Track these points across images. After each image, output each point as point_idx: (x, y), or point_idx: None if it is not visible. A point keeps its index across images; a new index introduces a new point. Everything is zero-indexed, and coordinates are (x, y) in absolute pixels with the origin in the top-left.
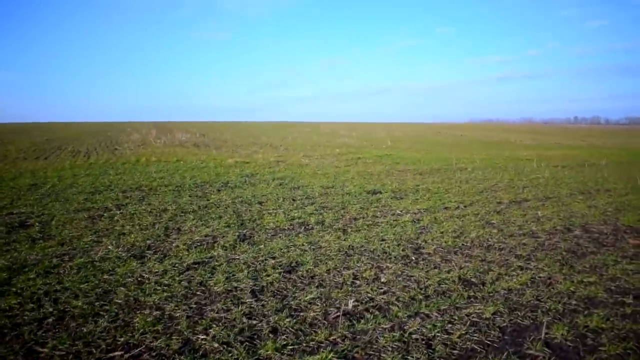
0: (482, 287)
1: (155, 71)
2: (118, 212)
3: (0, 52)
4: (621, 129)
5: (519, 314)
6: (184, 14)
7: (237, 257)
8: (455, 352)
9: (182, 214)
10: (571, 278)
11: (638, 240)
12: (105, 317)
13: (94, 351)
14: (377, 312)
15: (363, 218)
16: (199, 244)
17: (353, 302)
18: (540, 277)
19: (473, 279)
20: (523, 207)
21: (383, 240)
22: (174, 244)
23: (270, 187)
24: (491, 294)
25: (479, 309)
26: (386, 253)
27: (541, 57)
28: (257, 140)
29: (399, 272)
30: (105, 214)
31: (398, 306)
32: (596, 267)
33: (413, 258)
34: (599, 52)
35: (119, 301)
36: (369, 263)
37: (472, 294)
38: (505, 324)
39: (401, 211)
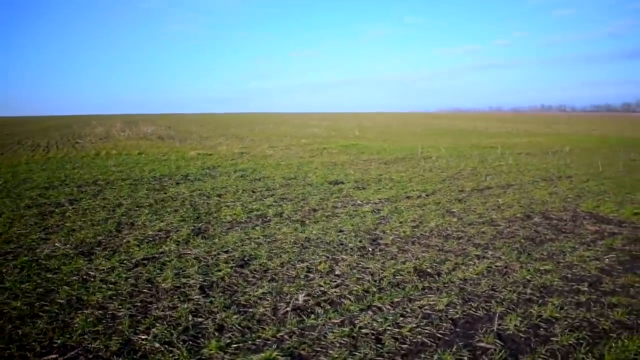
0: (437, 278)
1: (126, 64)
2: (70, 207)
3: None
4: (587, 116)
5: (473, 304)
6: (154, 4)
7: (189, 252)
8: (405, 346)
9: (137, 209)
10: (528, 266)
11: (596, 226)
12: (44, 318)
13: (28, 355)
14: (328, 307)
15: (322, 209)
16: (151, 239)
17: (304, 296)
18: (496, 266)
19: (429, 270)
20: (485, 194)
21: (341, 231)
22: (124, 240)
23: (230, 179)
24: (446, 285)
25: (432, 301)
26: (343, 245)
27: (509, 46)
28: (225, 131)
29: (355, 264)
30: (56, 210)
31: (350, 300)
32: (553, 255)
33: (370, 249)
34: (567, 41)
35: (61, 301)
36: (324, 255)
37: (427, 284)
38: (457, 316)
39: (362, 201)
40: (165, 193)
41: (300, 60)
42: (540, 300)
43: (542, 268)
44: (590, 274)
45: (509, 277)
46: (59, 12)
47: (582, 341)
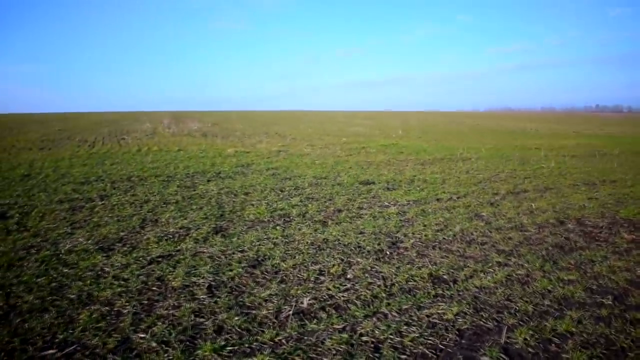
0: (452, 285)
1: (175, 61)
2: (100, 203)
3: (25, 45)
4: None
5: (484, 315)
6: (200, 3)
7: (205, 250)
8: (403, 356)
9: (164, 205)
10: (551, 276)
11: (633, 234)
12: (52, 312)
13: (29, 348)
14: (333, 311)
15: (347, 210)
16: (170, 236)
17: (310, 299)
18: (517, 274)
19: (445, 276)
20: (519, 198)
21: (361, 233)
22: (145, 237)
23: (261, 178)
24: (460, 293)
25: (442, 309)
26: (360, 247)
27: (562, 45)
28: (269, 129)
29: (368, 268)
30: (86, 205)
31: (357, 305)
32: (581, 264)
33: (387, 252)
34: (621, 40)
35: (72, 296)
36: (339, 258)
37: (440, 292)
38: (465, 327)
39: (389, 203)
40: (195, 190)
41: (348, 58)
42: (558, 313)
43: (566, 278)
44: (618, 286)
45: (528, 286)
46: (110, 11)
47: (594, 359)
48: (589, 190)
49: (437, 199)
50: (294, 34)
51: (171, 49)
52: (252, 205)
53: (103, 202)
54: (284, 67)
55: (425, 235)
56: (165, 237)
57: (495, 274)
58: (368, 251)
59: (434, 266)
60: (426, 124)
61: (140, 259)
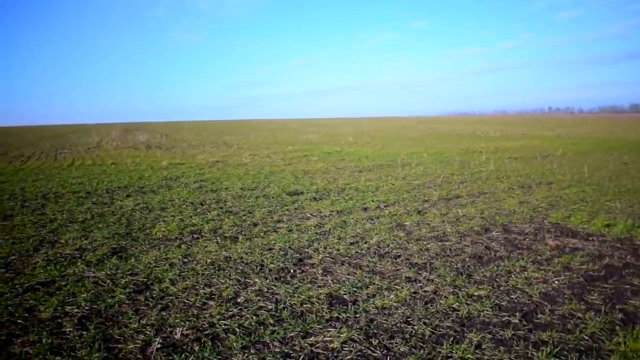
0: (350, 307)
1: (134, 72)
2: (1, 224)
3: None
4: (593, 118)
5: (374, 342)
6: (158, 14)
7: (92, 274)
8: None
9: (69, 224)
10: (460, 291)
11: (558, 240)
12: None
13: None
14: (208, 343)
15: (264, 224)
16: (62, 259)
17: (185, 330)
18: (424, 291)
19: (345, 296)
20: (450, 205)
21: (269, 249)
22: (34, 260)
23: (185, 191)
24: (357, 315)
25: (330, 336)
26: (263, 266)
27: (515, 49)
28: (218, 139)
29: (265, 289)
30: None
31: (237, 334)
32: (496, 277)
33: (291, 271)
34: (572, 43)
35: None
36: (235, 278)
37: (335, 315)
38: (349, 357)
39: (311, 214)
40: (109, 207)
41: (305, 67)
42: (457, 337)
43: (476, 294)
44: (530, 301)
45: (432, 305)
46: (66, 18)
47: None
48: (523, 193)
49: (364, 209)
50: (252, 44)
51: (133, 61)
52: (164, 221)
53: (4, 222)
54: (243, 76)
55: (337, 250)
56: (56, 261)
57: (400, 292)
58: (270, 270)
59: (336, 285)
60: (378, 130)
61: (18, 286)
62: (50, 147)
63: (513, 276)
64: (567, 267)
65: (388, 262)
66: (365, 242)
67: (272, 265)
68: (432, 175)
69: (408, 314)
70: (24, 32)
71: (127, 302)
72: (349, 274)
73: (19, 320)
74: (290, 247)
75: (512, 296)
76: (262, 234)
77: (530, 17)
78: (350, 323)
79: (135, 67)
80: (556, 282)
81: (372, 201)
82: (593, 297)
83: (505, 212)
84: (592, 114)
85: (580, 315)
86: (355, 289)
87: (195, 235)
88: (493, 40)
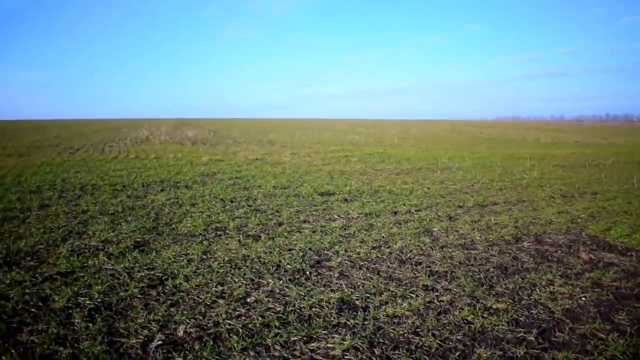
0: (359, 313)
1: (187, 70)
2: (35, 213)
3: (34, 53)
4: None
5: (377, 352)
6: (210, 13)
7: (111, 267)
8: None
9: (99, 216)
10: (478, 303)
11: (592, 254)
12: None
13: None
14: (210, 342)
15: (289, 223)
16: (86, 250)
17: (189, 327)
18: (440, 301)
19: (357, 302)
20: (485, 211)
21: (290, 250)
22: (59, 251)
23: (218, 187)
24: (365, 322)
25: (332, 343)
26: (280, 266)
27: (572, 54)
28: (264, 137)
29: (276, 291)
30: (20, 215)
31: (240, 335)
32: (519, 290)
33: (307, 273)
34: (633, 49)
35: None
36: (250, 278)
37: (342, 321)
38: None
39: (339, 215)
40: (141, 200)
41: (357, 67)
42: (466, 351)
43: (494, 307)
44: (551, 317)
45: (445, 316)
46: (123, 20)
47: None
48: (564, 203)
49: (394, 212)
50: (303, 43)
51: (183, 57)
52: (191, 217)
53: (39, 212)
54: (294, 76)
55: (358, 253)
56: (79, 252)
57: (415, 301)
58: (286, 270)
59: (350, 290)
60: (428, 132)
61: (38, 275)
62: (101, 140)
63: (537, 290)
64: (597, 282)
65: (408, 268)
66: (388, 247)
67: (288, 266)
68: (471, 180)
69: (418, 324)
70: (86, 28)
71: (138, 296)
72: (365, 279)
73: (32, 309)
74: (310, 249)
75: (533, 311)
76: (285, 234)
77: (588, 23)
78: (356, 330)
79: (190, 64)
80: (583, 298)
81: (404, 205)
82: (620, 317)
83: (541, 221)
84: None
85: (602, 335)
86: (368, 295)
87: (218, 232)
88: (549, 45)
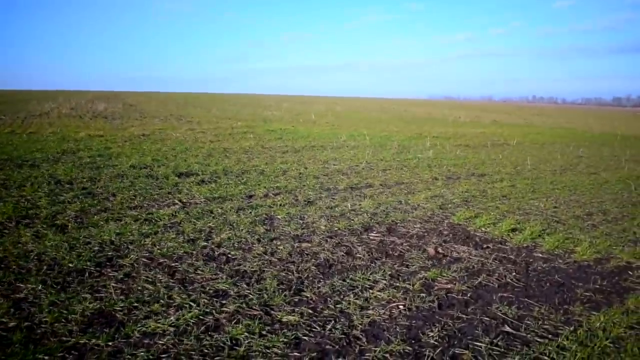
0: (110, 331)
1: (119, 40)
2: None
3: None
4: (574, 108)
5: None
6: None
7: None
8: None
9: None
10: (266, 316)
11: (439, 248)
12: None
13: None
14: None
15: (114, 210)
16: None
17: None
18: (220, 312)
19: (117, 314)
20: (351, 194)
21: (87, 244)
22: None
23: (67, 167)
24: (110, 343)
25: None
26: (57, 266)
27: (505, 36)
28: (177, 111)
29: (29, 298)
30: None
31: None
32: (330, 296)
33: (86, 274)
34: (564, 33)
35: None
36: (8, 281)
37: (82, 341)
38: None
39: (180, 200)
40: None
41: (294, 43)
42: None
43: (283, 319)
44: (346, 335)
45: (210, 335)
46: None
47: None
48: (444, 186)
49: (249, 196)
50: (238, 17)
51: (116, 27)
52: (3, 201)
53: None
54: (229, 50)
55: (163, 249)
56: None
57: (188, 312)
58: (61, 272)
59: (119, 298)
60: (352, 110)
61: None
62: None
63: (352, 295)
64: (429, 285)
65: (212, 267)
66: (207, 240)
67: (70, 265)
68: (359, 160)
69: (170, 345)
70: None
71: None
72: (148, 283)
73: None
74: (112, 243)
75: (328, 326)
76: (101, 222)
77: (523, 5)
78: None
79: (126, 35)
80: (400, 307)
81: (265, 187)
82: (431, 335)
83: (407, 207)
84: (575, 104)
85: None
86: (136, 305)
87: (24, 221)
88: (483, 25)
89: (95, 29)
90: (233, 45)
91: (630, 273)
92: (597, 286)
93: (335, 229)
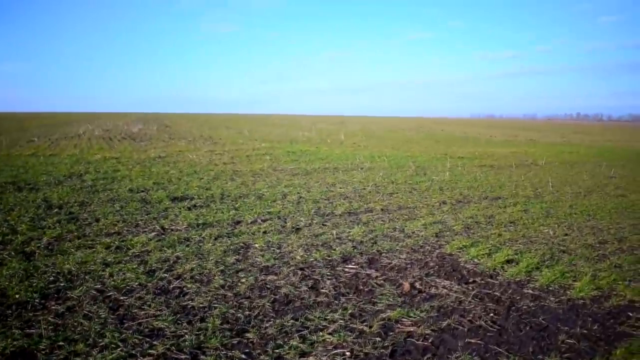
0: None
1: (164, 63)
2: None
3: (8, 43)
4: (619, 125)
5: None
6: (191, 4)
7: None
8: None
9: None
10: None
11: (417, 283)
12: None
13: None
14: None
15: (88, 237)
16: None
17: None
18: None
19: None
20: (346, 220)
21: (43, 273)
22: None
23: (64, 190)
24: None
25: None
26: None
27: (550, 52)
28: (206, 133)
29: None
30: None
31: None
32: (272, 340)
33: (37, 306)
34: (610, 48)
35: None
36: None
37: None
38: None
39: (161, 227)
40: None
41: (336, 62)
42: None
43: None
44: None
45: None
46: (101, 12)
47: None
48: (451, 210)
49: (236, 222)
50: (282, 36)
51: (162, 50)
52: None
53: None
54: (273, 70)
55: (113, 280)
56: None
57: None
58: None
59: (27, 340)
60: (386, 129)
61: None
62: (31, 134)
63: (298, 338)
64: (389, 327)
65: (161, 301)
66: (169, 271)
67: (16, 296)
68: (368, 182)
69: None
70: (52, 21)
71: None
72: (85, 318)
73: None
74: (70, 272)
75: None
76: (72, 249)
77: (567, 21)
78: None
79: (167, 58)
80: (346, 354)
81: (257, 213)
82: None
83: (399, 235)
84: (621, 121)
85: None
86: (61, 343)
87: None
88: (527, 43)
89: (146, 53)
90: (276, 66)
91: (630, 314)
92: (585, 331)
93: (311, 259)
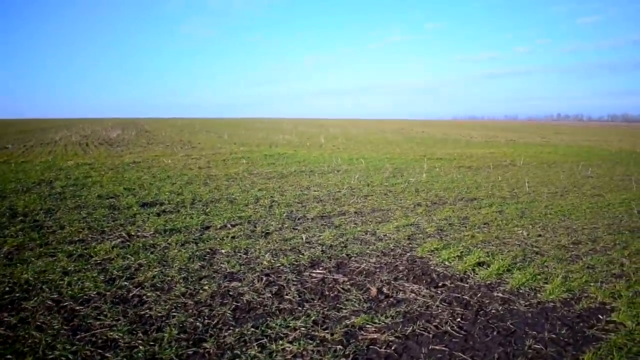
0: None
1: (144, 68)
2: None
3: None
4: (599, 125)
5: None
6: (170, 9)
7: None
8: None
9: None
10: None
11: (384, 287)
12: None
13: None
14: None
15: (50, 245)
16: None
17: None
18: None
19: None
20: (317, 224)
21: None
22: None
23: (31, 197)
24: None
25: None
26: None
27: (530, 53)
28: (185, 137)
29: None
30: None
31: None
32: (230, 349)
33: None
34: (589, 49)
35: None
36: None
37: None
38: None
39: (127, 233)
40: None
41: (317, 65)
42: None
43: None
44: None
45: None
46: (75, 13)
47: None
48: (426, 212)
49: (205, 227)
50: (264, 41)
51: (143, 55)
52: None
53: None
54: (252, 74)
55: (56, 293)
56: None
57: None
58: None
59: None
60: (367, 132)
61: None
62: (7, 141)
63: (257, 347)
64: (352, 334)
65: (118, 310)
66: (130, 279)
67: None
68: (344, 185)
69: None
70: (29, 26)
71: None
72: (37, 330)
73: None
74: (27, 282)
75: None
76: (33, 258)
77: (547, 22)
78: None
79: (148, 62)
80: None
81: (227, 218)
82: None
83: (370, 238)
84: (601, 121)
85: None
86: (9, 356)
87: None
88: (507, 44)
89: (123, 57)
90: (257, 70)
91: (601, 317)
92: (554, 335)
93: (278, 265)
